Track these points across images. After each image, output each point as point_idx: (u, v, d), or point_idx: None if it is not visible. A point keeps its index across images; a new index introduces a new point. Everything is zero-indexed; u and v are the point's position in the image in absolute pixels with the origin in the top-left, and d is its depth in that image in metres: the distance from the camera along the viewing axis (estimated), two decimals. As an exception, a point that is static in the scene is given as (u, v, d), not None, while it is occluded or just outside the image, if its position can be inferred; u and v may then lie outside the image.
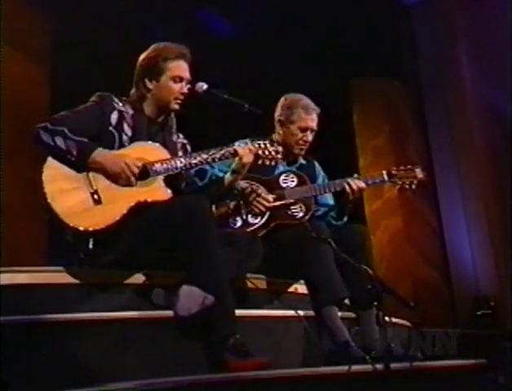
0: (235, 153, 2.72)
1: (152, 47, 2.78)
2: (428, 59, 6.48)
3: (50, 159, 2.53)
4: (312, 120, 3.24)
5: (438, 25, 6.41)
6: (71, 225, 2.43)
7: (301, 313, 2.69)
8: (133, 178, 2.55)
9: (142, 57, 2.78)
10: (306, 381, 2.17)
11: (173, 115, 2.86)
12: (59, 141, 2.49)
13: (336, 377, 2.22)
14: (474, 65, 6.19)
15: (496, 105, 6.02)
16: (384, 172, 3.15)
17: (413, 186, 3.13)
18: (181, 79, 2.75)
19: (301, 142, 3.24)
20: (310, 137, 3.25)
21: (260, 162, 2.77)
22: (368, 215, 6.49)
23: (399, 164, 3.19)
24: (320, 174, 3.38)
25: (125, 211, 2.48)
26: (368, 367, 2.26)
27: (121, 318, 2.33)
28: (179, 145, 2.87)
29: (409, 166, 3.15)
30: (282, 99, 3.32)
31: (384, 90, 6.78)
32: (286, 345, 2.62)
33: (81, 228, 2.44)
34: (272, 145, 2.79)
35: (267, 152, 2.77)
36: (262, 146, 2.77)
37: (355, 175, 3.14)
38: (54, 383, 2.04)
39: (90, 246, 2.51)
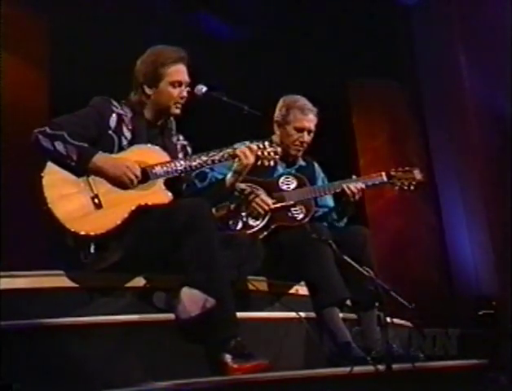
0: (234, 155, 2.72)
1: (148, 51, 2.76)
2: (427, 59, 6.47)
3: (49, 163, 2.52)
4: (308, 121, 3.24)
5: (437, 26, 6.39)
6: (72, 230, 2.43)
7: (302, 314, 2.70)
8: (134, 182, 2.55)
9: (139, 62, 2.76)
10: (307, 383, 2.17)
11: (172, 117, 2.85)
12: (59, 146, 2.48)
13: (337, 378, 2.23)
14: (473, 66, 6.17)
15: (495, 105, 6.01)
16: (383, 173, 3.16)
17: (412, 188, 3.14)
18: (180, 83, 2.73)
19: (297, 142, 3.24)
20: (307, 138, 3.25)
21: (259, 163, 2.77)
22: (369, 215, 6.48)
23: (398, 165, 3.19)
24: (320, 176, 3.38)
25: (126, 215, 2.48)
26: (369, 368, 2.26)
27: (123, 321, 2.33)
28: (179, 147, 2.87)
29: (408, 167, 3.16)
30: (280, 101, 3.34)
31: (383, 91, 6.77)
32: (287, 347, 2.62)
33: (82, 233, 2.43)
34: (271, 146, 2.79)
35: (265, 153, 2.77)
36: (261, 146, 2.78)
37: (354, 176, 3.15)
38: (54, 387, 2.04)
39: (92, 250, 2.50)
